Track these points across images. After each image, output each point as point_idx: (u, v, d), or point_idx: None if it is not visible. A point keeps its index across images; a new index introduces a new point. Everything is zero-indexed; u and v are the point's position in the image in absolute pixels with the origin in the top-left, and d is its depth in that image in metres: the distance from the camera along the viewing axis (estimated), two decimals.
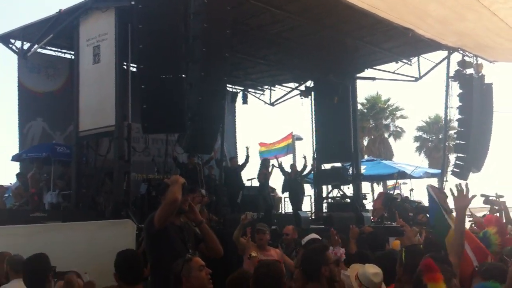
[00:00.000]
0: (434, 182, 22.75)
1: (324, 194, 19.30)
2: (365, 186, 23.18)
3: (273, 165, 16.79)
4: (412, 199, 18.49)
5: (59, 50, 16.20)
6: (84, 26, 12.80)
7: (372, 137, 40.27)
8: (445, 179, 18.03)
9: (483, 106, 17.50)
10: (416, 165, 22.70)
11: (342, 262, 5.84)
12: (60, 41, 15.14)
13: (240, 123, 22.60)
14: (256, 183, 16.58)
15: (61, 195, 13.54)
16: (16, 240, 6.48)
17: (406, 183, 22.45)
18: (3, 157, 27.86)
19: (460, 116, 17.43)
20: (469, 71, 17.43)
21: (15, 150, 15.58)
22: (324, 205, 19.09)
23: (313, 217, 17.59)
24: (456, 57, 17.33)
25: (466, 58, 17.34)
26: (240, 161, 17.44)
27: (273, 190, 18.18)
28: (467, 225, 6.32)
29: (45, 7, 69.34)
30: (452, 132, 20.26)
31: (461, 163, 17.44)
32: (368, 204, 18.83)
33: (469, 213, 7.29)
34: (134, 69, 11.97)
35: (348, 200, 18.23)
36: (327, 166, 19.41)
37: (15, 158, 15.08)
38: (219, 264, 5.12)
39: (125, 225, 8.00)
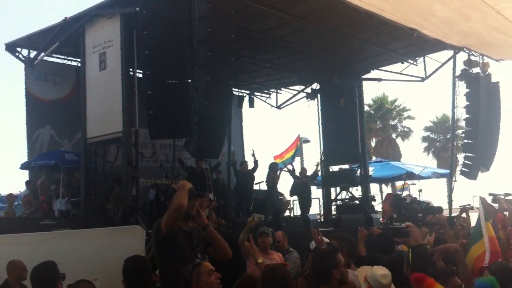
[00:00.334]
0: (443, 182, 22.75)
1: (333, 196, 19.27)
2: (374, 188, 23.19)
3: (281, 169, 16.77)
4: (421, 199, 18.42)
5: (65, 57, 16.26)
6: (89, 33, 12.86)
7: (380, 138, 40.16)
8: (454, 179, 17.96)
9: (490, 105, 17.44)
10: (425, 165, 22.62)
11: (352, 264, 5.82)
12: (66, 48, 15.21)
13: (247, 126, 22.60)
14: (264, 186, 16.58)
15: (70, 202, 13.56)
16: (26, 248, 6.48)
17: (415, 184, 22.40)
18: (13, 166, 27.98)
19: (467, 116, 17.39)
20: (476, 70, 17.40)
21: (24, 158, 15.65)
22: (333, 207, 19.07)
23: (322, 220, 17.57)
24: (462, 56, 17.32)
25: (472, 57, 17.30)
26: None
27: (281, 194, 18.17)
28: None
29: (50, 15, 69.68)
30: (460, 131, 20.21)
31: (469, 162, 17.39)
32: (377, 206, 18.78)
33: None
34: (140, 75, 12.01)
35: (357, 202, 18.20)
36: (335, 168, 19.38)
37: (24, 166, 15.12)
38: (228, 268, 5.12)
39: (134, 231, 7.98)
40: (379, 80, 19.51)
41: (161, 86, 10.55)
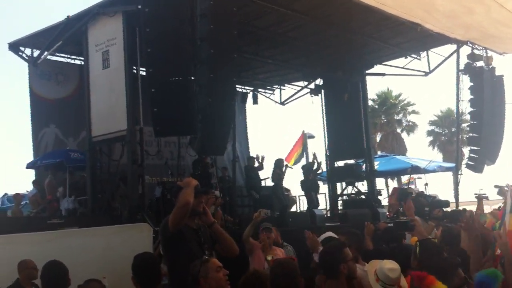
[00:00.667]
0: (449, 176, 22.71)
1: (339, 192, 19.27)
2: (380, 182, 23.16)
3: (286, 165, 16.79)
4: (427, 193, 18.40)
5: (68, 56, 16.20)
6: (92, 32, 12.86)
7: (385, 132, 40.09)
8: (460, 173, 17.94)
9: (494, 98, 17.43)
10: (430, 159, 22.58)
11: (360, 258, 5.83)
12: (69, 47, 15.18)
13: (251, 123, 22.62)
14: (269, 183, 16.60)
15: (77, 201, 13.60)
16: (33, 247, 6.50)
17: (421, 178, 22.34)
18: (18, 165, 28.03)
19: (472, 109, 17.37)
20: (479, 63, 17.39)
21: (29, 157, 15.68)
22: (339, 202, 19.07)
23: (328, 215, 17.57)
24: (465, 50, 17.31)
25: (476, 51, 17.27)
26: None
27: (287, 190, 18.19)
28: None
29: (53, 14, 69.73)
30: (465, 125, 20.16)
31: (475, 156, 17.38)
32: (384, 200, 18.77)
33: None
34: (144, 73, 12.01)
35: (363, 197, 18.18)
36: (340, 163, 19.37)
37: (29, 166, 15.16)
38: (236, 264, 5.13)
39: (141, 228, 7.98)
40: (383, 74, 19.50)
41: (165, 83, 10.54)
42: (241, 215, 13.57)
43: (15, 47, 15.25)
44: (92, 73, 12.87)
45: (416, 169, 20.59)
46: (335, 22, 14.97)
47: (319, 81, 19.93)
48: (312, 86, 20.29)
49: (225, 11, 10.81)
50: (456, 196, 17.40)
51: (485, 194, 10.64)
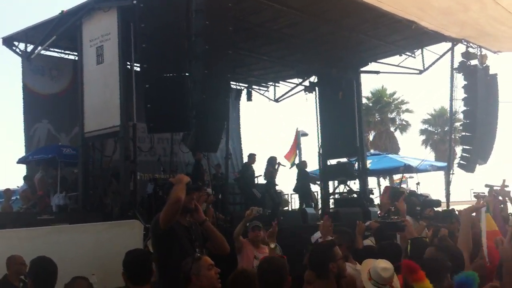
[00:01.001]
0: (440, 175, 22.74)
1: (331, 190, 19.27)
2: (372, 181, 23.15)
3: (279, 163, 16.75)
4: (419, 192, 18.42)
5: (62, 51, 16.14)
6: (87, 27, 12.79)
7: (378, 131, 40.09)
8: (451, 172, 17.95)
9: (488, 97, 17.45)
10: (423, 158, 22.62)
11: (351, 257, 5.82)
12: (63, 42, 15.10)
13: (245, 120, 22.59)
14: (262, 180, 16.58)
15: (68, 197, 13.54)
16: (23, 243, 6.47)
17: (413, 177, 22.39)
18: (10, 160, 27.93)
19: (465, 108, 17.38)
20: (474, 62, 17.38)
21: (21, 153, 15.60)
22: (331, 200, 19.07)
23: (320, 213, 17.55)
24: (460, 48, 17.29)
25: (470, 49, 17.27)
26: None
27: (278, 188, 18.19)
28: None
29: (47, 9, 69.44)
30: (458, 124, 20.17)
31: (467, 155, 17.39)
32: (376, 199, 18.80)
33: None
34: (138, 69, 11.95)
35: (355, 195, 18.19)
36: (332, 161, 19.36)
37: (21, 161, 15.08)
38: (225, 262, 5.10)
39: (132, 225, 7.98)
40: (377, 72, 19.50)
41: (159, 79, 10.48)
42: (232, 213, 13.55)
43: (8, 41, 15.16)
44: (86, 69, 12.80)
45: (408, 168, 20.61)
46: (331, 19, 14.95)
47: (313, 79, 19.88)
48: (306, 83, 20.23)
49: (221, 7, 10.76)
50: (448, 195, 17.40)
51: (483, 193, 10.64)
